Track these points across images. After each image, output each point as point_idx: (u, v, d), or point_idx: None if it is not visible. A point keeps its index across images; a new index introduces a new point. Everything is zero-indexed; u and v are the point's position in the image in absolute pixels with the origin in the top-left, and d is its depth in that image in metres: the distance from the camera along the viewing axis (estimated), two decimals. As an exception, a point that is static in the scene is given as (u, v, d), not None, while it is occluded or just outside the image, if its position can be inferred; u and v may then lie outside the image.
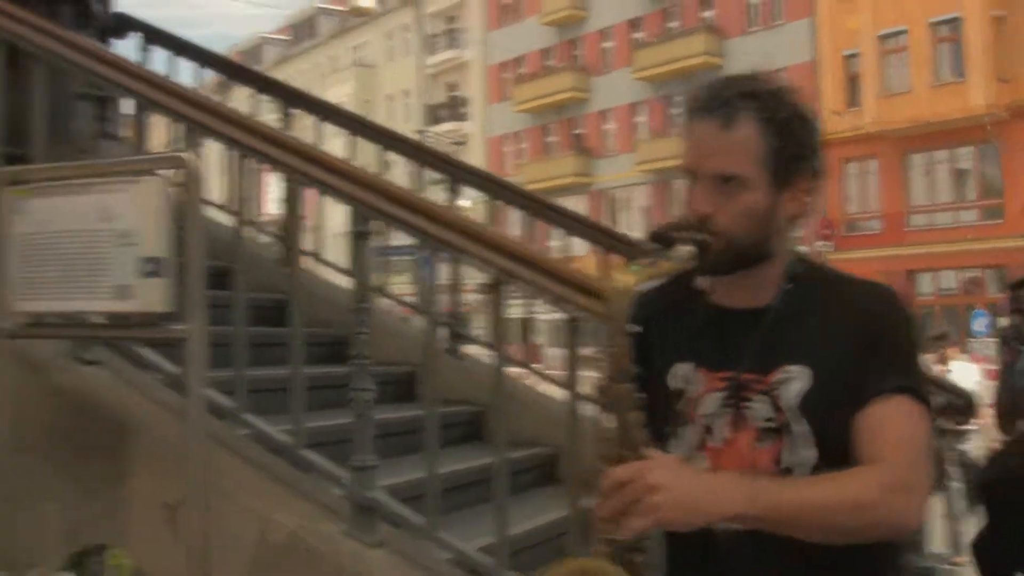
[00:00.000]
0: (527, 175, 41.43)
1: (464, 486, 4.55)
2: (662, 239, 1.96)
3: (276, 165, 3.91)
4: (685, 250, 1.95)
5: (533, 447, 5.33)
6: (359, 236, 3.71)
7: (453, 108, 49.71)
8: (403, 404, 5.33)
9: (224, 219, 5.06)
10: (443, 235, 3.59)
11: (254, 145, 3.91)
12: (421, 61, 42.20)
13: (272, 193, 5.50)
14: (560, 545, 4.45)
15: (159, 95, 4.15)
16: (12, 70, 4.55)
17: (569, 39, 45.05)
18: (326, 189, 3.82)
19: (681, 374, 2.08)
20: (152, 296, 3.33)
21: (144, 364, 4.17)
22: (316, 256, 6.16)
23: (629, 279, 1.90)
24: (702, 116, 2.02)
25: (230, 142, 4.06)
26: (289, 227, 4.17)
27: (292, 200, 3.98)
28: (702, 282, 2.11)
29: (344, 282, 6.13)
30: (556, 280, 3.42)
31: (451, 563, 3.74)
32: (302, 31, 65.34)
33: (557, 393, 6.20)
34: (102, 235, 3.38)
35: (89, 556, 3.46)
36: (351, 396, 3.63)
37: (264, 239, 6.38)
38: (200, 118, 4.02)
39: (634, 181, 41.18)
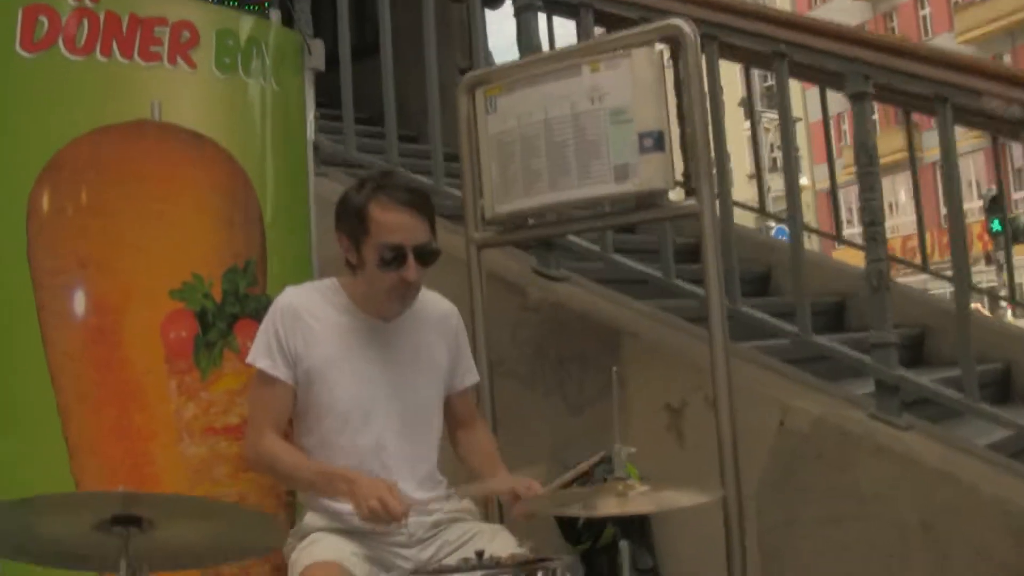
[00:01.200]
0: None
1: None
2: None
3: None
4: None
5: (982, 363, 4.90)
6: (859, 97, 3.43)
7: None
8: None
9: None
10: (965, 82, 3.25)
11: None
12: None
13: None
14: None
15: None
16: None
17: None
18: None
19: None
20: (652, 172, 3.14)
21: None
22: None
23: None
24: None
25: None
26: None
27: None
28: None
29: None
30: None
31: (990, 447, 3.43)
32: None
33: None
34: (592, 116, 3.22)
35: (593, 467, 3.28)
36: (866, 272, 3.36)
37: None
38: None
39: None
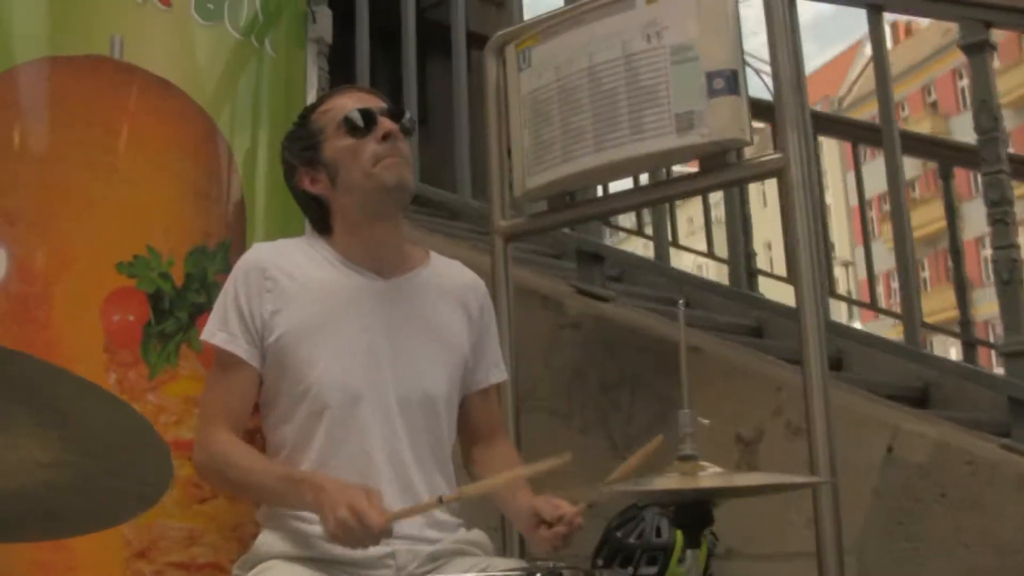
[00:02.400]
0: None
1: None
2: None
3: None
4: None
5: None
6: (978, 48, 2.81)
7: None
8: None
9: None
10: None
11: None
12: None
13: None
14: None
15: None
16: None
17: None
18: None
19: None
20: (725, 120, 2.48)
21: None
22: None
23: None
24: None
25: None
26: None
27: None
28: None
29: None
30: None
31: None
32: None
33: None
34: (649, 56, 2.57)
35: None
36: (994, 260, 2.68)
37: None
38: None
39: None
